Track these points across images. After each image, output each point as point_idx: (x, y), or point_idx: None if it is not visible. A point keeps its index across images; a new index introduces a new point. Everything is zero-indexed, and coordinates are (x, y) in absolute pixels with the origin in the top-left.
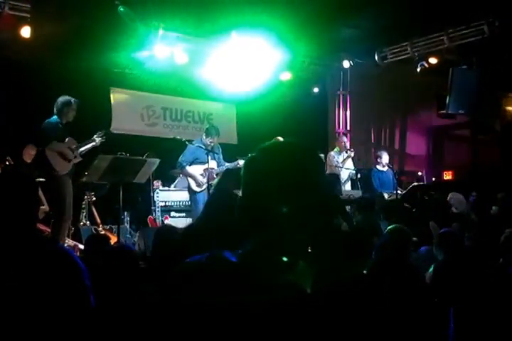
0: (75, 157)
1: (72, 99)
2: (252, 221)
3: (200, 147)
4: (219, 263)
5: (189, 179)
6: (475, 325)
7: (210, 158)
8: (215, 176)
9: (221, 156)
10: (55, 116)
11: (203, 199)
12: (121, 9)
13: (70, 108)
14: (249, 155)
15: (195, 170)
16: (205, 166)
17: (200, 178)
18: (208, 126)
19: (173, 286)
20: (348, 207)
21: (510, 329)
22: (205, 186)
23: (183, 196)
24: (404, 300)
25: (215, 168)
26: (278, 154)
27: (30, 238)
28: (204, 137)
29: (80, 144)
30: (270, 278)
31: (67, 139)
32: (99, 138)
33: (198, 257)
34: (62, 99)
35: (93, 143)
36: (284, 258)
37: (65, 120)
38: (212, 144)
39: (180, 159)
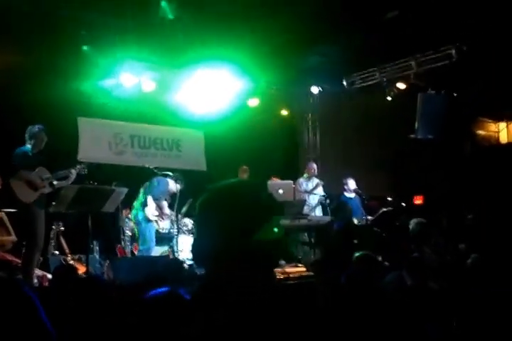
0: (44, 186)
1: (40, 127)
2: (207, 258)
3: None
4: (173, 299)
5: (152, 208)
6: None
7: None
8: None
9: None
10: (27, 145)
11: (152, 228)
12: (85, 48)
13: (39, 136)
14: (200, 198)
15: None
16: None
17: (167, 212)
18: (177, 175)
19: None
20: None
21: None
22: (156, 218)
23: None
24: (372, 323)
25: (168, 210)
26: (230, 194)
27: None
28: (175, 184)
29: (53, 174)
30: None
31: (37, 168)
32: (75, 171)
33: (157, 292)
34: (30, 128)
35: (69, 175)
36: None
37: (37, 148)
38: (176, 192)
39: (161, 191)
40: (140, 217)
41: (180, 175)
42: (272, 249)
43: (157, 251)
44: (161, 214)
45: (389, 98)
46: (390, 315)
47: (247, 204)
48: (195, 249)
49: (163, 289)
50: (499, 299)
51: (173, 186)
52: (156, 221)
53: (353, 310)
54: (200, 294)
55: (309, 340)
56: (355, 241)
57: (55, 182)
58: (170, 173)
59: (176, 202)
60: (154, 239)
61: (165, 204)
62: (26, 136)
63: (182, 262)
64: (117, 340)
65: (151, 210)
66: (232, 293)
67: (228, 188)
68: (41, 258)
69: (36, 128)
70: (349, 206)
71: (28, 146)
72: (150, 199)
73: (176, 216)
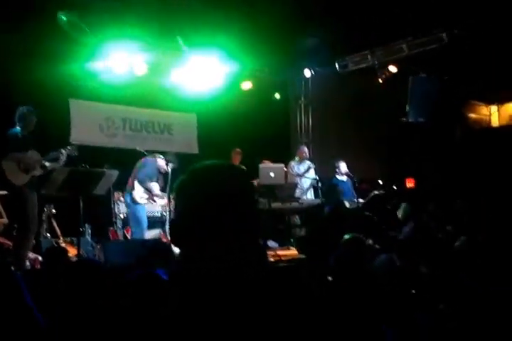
0: (35, 169)
1: (30, 108)
2: (183, 240)
3: (158, 168)
4: (151, 281)
5: (135, 191)
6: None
7: (159, 181)
8: (154, 198)
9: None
10: (17, 127)
11: (143, 211)
12: (63, 18)
13: (28, 117)
14: (180, 178)
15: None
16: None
17: (159, 193)
18: (171, 155)
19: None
20: None
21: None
22: (146, 201)
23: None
24: (361, 305)
25: (159, 192)
26: (206, 177)
27: None
28: (166, 163)
29: (44, 157)
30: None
31: (28, 151)
32: (65, 152)
33: (132, 275)
34: (20, 109)
35: (59, 156)
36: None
37: (27, 130)
38: (167, 170)
39: (145, 173)
40: (128, 199)
41: (173, 155)
42: (242, 227)
43: (150, 234)
44: (151, 197)
45: (380, 80)
46: (378, 297)
47: (215, 189)
48: (170, 229)
49: (141, 271)
50: (494, 293)
51: (163, 163)
52: (146, 204)
53: (341, 292)
54: (175, 274)
55: (289, 319)
56: (345, 224)
57: (46, 164)
58: (160, 156)
59: (168, 183)
60: (145, 222)
61: (154, 185)
62: (15, 117)
63: (169, 245)
64: (105, 322)
65: (138, 193)
66: (205, 272)
67: (201, 171)
68: (33, 241)
69: (25, 109)
70: (339, 188)
71: (18, 128)
72: (135, 183)
73: (169, 198)
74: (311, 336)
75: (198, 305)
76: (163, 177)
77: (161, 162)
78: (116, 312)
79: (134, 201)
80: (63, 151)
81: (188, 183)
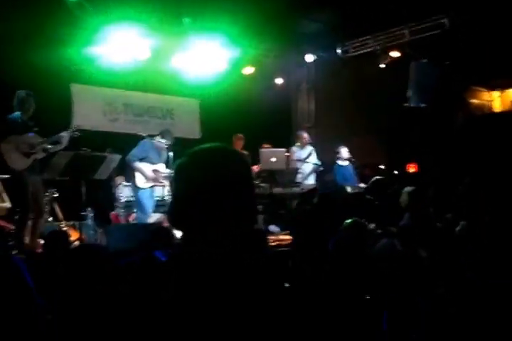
0: (36, 152)
1: (28, 92)
2: (181, 221)
3: (156, 146)
4: (149, 263)
5: (136, 174)
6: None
7: (160, 157)
8: (160, 179)
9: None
10: (17, 112)
11: (147, 196)
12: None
13: (27, 101)
14: (179, 160)
15: (145, 167)
16: (154, 166)
17: (151, 174)
18: (164, 130)
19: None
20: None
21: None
22: (150, 184)
23: None
24: (361, 291)
25: (163, 170)
26: (204, 159)
27: None
28: (159, 138)
29: (45, 139)
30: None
31: (29, 134)
32: (67, 134)
33: (132, 258)
34: (18, 93)
35: (61, 139)
36: None
37: (26, 115)
38: (166, 146)
39: (132, 152)
40: (132, 184)
41: (167, 130)
42: (240, 211)
43: (154, 217)
44: (157, 179)
45: (382, 65)
46: (376, 282)
47: (214, 172)
48: (169, 211)
49: (139, 255)
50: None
51: (158, 143)
52: (152, 187)
53: (339, 276)
54: (175, 256)
55: (281, 304)
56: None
57: (48, 147)
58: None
59: (169, 164)
60: (150, 206)
61: (149, 168)
62: (14, 102)
63: (170, 228)
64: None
65: (138, 178)
66: (204, 256)
67: (201, 154)
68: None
69: (24, 93)
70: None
71: (18, 113)
72: (133, 167)
73: (170, 181)
74: (302, 319)
75: (195, 289)
76: (162, 153)
77: (156, 141)
78: (115, 297)
79: (136, 186)
80: (65, 134)
81: (188, 166)
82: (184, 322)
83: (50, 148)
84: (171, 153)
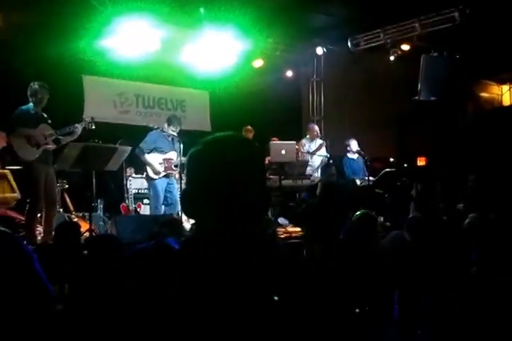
0: (47, 143)
1: (40, 84)
2: (194, 210)
3: (163, 135)
4: (162, 250)
5: (147, 166)
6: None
7: (166, 146)
8: (173, 167)
9: (180, 146)
10: (30, 103)
11: (161, 186)
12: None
13: (40, 93)
14: (192, 149)
15: (154, 158)
16: (165, 156)
17: (158, 166)
18: (170, 116)
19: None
20: None
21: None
22: (162, 174)
23: None
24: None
25: (175, 158)
26: (219, 148)
27: None
28: (166, 126)
29: (58, 131)
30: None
31: (40, 125)
32: (81, 126)
33: (144, 245)
34: (31, 85)
35: (72, 129)
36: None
37: (40, 106)
38: (174, 133)
39: (140, 145)
40: (145, 175)
41: (173, 116)
42: (255, 204)
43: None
44: (170, 168)
45: (392, 58)
46: (382, 275)
47: (227, 160)
48: (181, 199)
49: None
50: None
51: (167, 129)
52: (165, 177)
53: (347, 267)
54: (187, 243)
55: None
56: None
57: (60, 138)
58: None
59: (180, 153)
60: (162, 197)
61: (160, 157)
62: (28, 93)
63: (180, 220)
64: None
65: (149, 169)
66: (215, 246)
67: (214, 142)
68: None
69: (36, 85)
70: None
71: (31, 104)
72: (142, 160)
73: (180, 173)
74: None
75: (207, 280)
76: (171, 142)
77: (166, 128)
78: (125, 288)
79: (148, 177)
80: (78, 126)
81: (200, 153)
82: (197, 315)
83: (62, 140)
84: (181, 145)
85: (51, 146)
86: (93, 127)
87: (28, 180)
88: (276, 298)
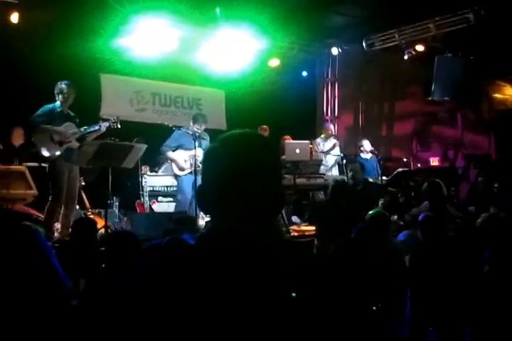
0: (70, 141)
1: (67, 83)
2: (209, 206)
3: (187, 133)
4: (177, 245)
5: (172, 163)
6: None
7: (196, 144)
8: (199, 164)
9: (208, 144)
10: (57, 102)
11: (187, 182)
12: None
13: (66, 92)
14: (211, 145)
15: (179, 155)
16: (190, 152)
17: (182, 163)
18: (195, 114)
19: (135, 267)
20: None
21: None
22: (187, 171)
23: (170, 181)
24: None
25: (201, 155)
26: (235, 145)
27: None
28: (191, 124)
29: (82, 129)
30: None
31: (65, 123)
32: (105, 125)
33: (159, 240)
34: (59, 83)
35: (97, 128)
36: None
37: (66, 104)
38: (199, 131)
39: (164, 144)
40: (172, 173)
41: (199, 114)
42: (271, 200)
43: None
44: (187, 166)
45: (406, 57)
46: (396, 273)
47: (243, 156)
48: (196, 194)
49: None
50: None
51: (192, 126)
52: (189, 174)
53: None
54: (202, 239)
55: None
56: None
57: (84, 136)
58: (189, 132)
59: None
60: (190, 192)
61: (185, 155)
62: (55, 91)
63: (195, 217)
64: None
65: (174, 166)
66: (229, 242)
67: (231, 139)
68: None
69: (63, 83)
70: (357, 165)
71: (58, 103)
72: (167, 157)
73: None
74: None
75: (218, 276)
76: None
77: (191, 126)
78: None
79: (175, 174)
80: (102, 125)
81: (216, 150)
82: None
83: (87, 138)
84: (207, 143)
85: (74, 144)
86: (118, 126)
87: (50, 176)
88: (293, 294)
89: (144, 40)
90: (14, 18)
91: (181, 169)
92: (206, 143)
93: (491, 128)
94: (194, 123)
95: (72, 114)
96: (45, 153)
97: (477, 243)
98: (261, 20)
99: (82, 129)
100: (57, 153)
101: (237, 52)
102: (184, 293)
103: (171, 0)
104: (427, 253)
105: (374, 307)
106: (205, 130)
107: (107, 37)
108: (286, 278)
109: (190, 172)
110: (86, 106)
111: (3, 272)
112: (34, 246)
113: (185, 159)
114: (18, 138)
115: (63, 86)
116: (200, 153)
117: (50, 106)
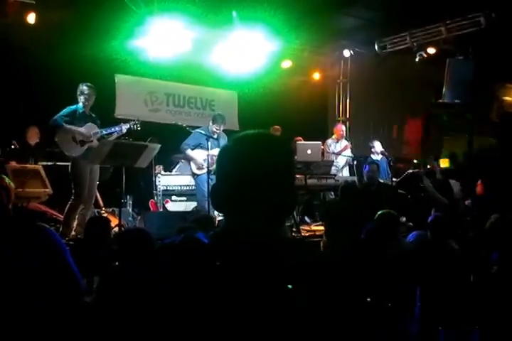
0: (92, 141)
1: (88, 85)
2: (222, 205)
3: (201, 133)
4: (191, 244)
5: (191, 162)
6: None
7: (210, 144)
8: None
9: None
10: (79, 103)
11: (204, 181)
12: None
13: (87, 93)
14: (224, 145)
15: (197, 154)
16: (209, 152)
17: (201, 161)
18: (215, 114)
19: (149, 266)
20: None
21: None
22: (205, 170)
23: (184, 180)
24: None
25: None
26: (249, 145)
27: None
28: (210, 124)
29: (103, 129)
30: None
31: (87, 124)
32: (126, 126)
33: (173, 238)
34: (80, 85)
35: (118, 129)
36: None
37: (87, 105)
38: (218, 131)
39: (184, 142)
40: (190, 171)
41: (218, 115)
42: (283, 201)
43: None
44: (205, 165)
45: (417, 59)
46: (405, 271)
47: (257, 156)
48: (211, 193)
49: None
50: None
51: (211, 126)
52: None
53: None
54: (217, 238)
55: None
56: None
57: (105, 136)
58: (207, 133)
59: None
60: (207, 191)
61: (204, 154)
62: (77, 93)
63: (212, 216)
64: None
65: (192, 165)
66: (242, 243)
67: (245, 139)
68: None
69: (84, 85)
70: (373, 166)
71: (80, 104)
72: (186, 155)
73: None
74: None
75: (231, 274)
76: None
77: (210, 125)
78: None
79: (193, 173)
80: (123, 126)
81: (230, 150)
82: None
83: (107, 138)
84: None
85: (96, 144)
86: (139, 128)
87: (73, 175)
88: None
89: (159, 41)
90: (31, 18)
91: (199, 168)
92: (224, 142)
93: (500, 131)
94: (213, 123)
95: (93, 115)
96: (68, 152)
97: (486, 244)
98: (274, 22)
99: (104, 130)
100: (79, 152)
101: (250, 54)
102: (198, 292)
103: (186, 2)
104: (436, 254)
105: (368, 299)
106: None
107: (123, 38)
108: (298, 277)
109: (210, 172)
110: (101, 106)
111: (3, 272)
112: (42, 246)
113: (204, 158)
114: (33, 137)
115: (84, 87)
116: (216, 153)
117: (73, 107)
